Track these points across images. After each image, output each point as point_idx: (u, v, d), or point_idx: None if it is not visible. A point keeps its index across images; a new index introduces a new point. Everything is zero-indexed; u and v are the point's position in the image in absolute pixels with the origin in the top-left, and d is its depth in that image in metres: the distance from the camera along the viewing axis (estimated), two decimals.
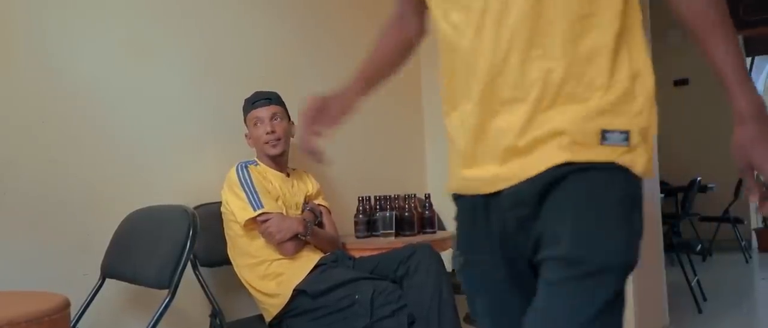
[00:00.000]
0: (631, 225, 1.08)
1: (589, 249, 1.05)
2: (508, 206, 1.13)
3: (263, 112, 2.61)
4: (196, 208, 2.45)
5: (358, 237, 2.92)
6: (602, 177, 1.07)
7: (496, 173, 1.13)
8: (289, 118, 2.69)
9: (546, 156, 1.08)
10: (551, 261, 1.07)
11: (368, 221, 2.94)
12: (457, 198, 1.27)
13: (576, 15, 1.09)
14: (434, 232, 3.07)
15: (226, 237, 2.59)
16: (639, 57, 1.12)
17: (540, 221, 1.10)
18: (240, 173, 2.53)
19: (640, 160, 1.09)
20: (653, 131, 1.11)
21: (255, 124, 2.63)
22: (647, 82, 1.12)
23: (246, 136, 2.70)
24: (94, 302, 2.19)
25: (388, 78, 1.46)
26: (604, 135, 1.07)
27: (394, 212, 2.92)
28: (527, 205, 1.10)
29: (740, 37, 6.92)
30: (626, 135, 1.07)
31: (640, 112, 1.10)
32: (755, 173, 1.12)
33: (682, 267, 4.41)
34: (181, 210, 2.05)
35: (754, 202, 1.14)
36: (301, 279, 2.44)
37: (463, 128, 1.17)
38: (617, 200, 1.07)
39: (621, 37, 1.11)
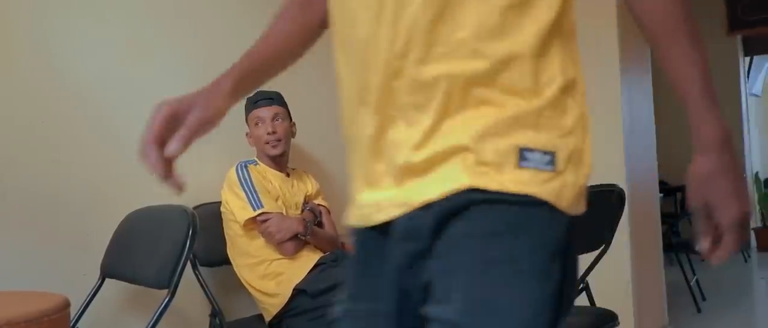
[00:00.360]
0: (545, 285, 0.82)
1: (483, 320, 0.80)
2: (399, 238, 0.90)
3: (265, 112, 2.62)
4: (195, 208, 2.45)
5: None
6: (514, 215, 0.82)
7: (390, 197, 0.90)
8: (291, 119, 2.70)
9: (445, 178, 0.84)
10: (437, 325, 0.84)
11: None
12: (354, 232, 1.02)
13: (496, 5, 0.85)
14: None
15: (226, 237, 2.59)
16: (574, 68, 0.91)
17: (432, 262, 0.86)
18: (240, 172, 2.54)
19: (567, 191, 0.84)
20: (587, 158, 0.88)
21: (256, 123, 2.63)
22: (582, 98, 0.90)
23: (247, 135, 2.70)
24: (93, 301, 2.19)
25: (281, 72, 1.14)
26: (522, 155, 0.83)
27: None
28: (419, 238, 0.87)
29: (739, 37, 6.97)
30: (551, 157, 0.83)
31: (570, 132, 0.86)
32: (710, 212, 0.92)
33: (681, 267, 4.42)
34: (181, 210, 2.05)
35: (703, 248, 0.93)
36: (301, 279, 2.44)
37: (359, 142, 0.94)
38: (531, 248, 0.82)
39: (553, 38, 0.88)
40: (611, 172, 3.11)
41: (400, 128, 0.89)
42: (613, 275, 3.01)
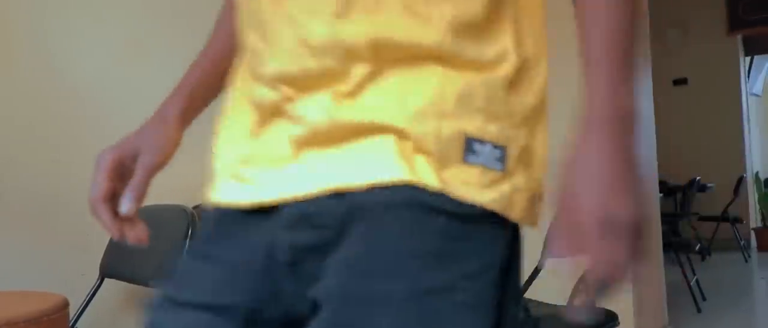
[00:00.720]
0: (487, 320, 0.64)
1: None
2: (288, 224, 0.69)
3: None
4: (194, 207, 2.45)
5: None
6: (456, 229, 0.64)
7: (284, 171, 0.69)
8: None
9: (371, 160, 0.65)
10: None
11: None
12: (214, 211, 0.78)
13: None
14: None
15: None
16: (534, 47, 0.73)
17: (333, 278, 0.65)
18: None
19: (519, 198, 0.67)
20: (538, 159, 0.70)
21: None
22: (541, 86, 0.72)
23: None
24: (92, 301, 2.19)
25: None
26: (469, 145, 0.64)
27: None
28: (319, 228, 0.67)
29: (739, 37, 6.97)
30: (501, 153, 0.66)
31: (523, 122, 0.68)
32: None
33: (681, 267, 4.41)
34: (180, 210, 2.05)
35: (578, 304, 0.66)
36: None
37: (252, 103, 0.74)
38: (473, 274, 0.64)
39: (507, 6, 0.70)
40: None
41: (312, 77, 0.67)
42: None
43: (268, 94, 0.71)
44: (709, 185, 6.16)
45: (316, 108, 0.67)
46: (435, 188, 0.63)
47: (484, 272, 0.65)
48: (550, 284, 2.50)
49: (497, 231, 0.67)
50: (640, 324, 3.30)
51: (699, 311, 4.24)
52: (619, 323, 2.34)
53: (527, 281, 2.20)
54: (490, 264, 0.66)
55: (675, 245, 4.61)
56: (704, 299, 4.52)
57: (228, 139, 0.78)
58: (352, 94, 0.66)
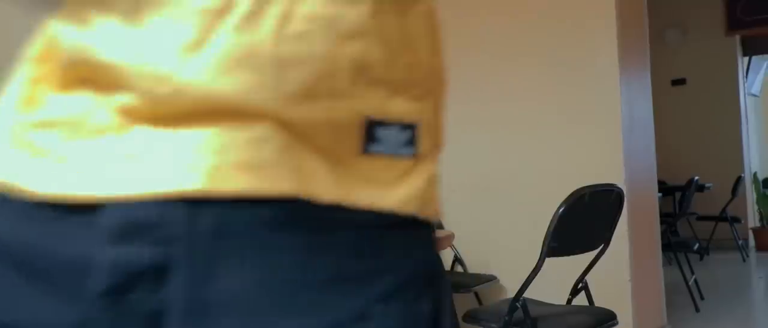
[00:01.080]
0: None
1: None
2: (115, 235, 0.46)
3: None
4: None
5: None
6: (362, 245, 0.49)
7: (104, 151, 0.47)
8: None
9: (238, 157, 0.46)
10: None
11: None
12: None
13: None
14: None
15: None
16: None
17: (182, 317, 0.45)
18: None
19: (433, 190, 0.53)
20: (441, 138, 0.55)
21: None
22: (433, 20, 0.54)
23: None
24: None
25: None
26: (370, 132, 0.49)
27: None
28: (162, 245, 0.45)
29: (737, 37, 6.98)
30: (411, 133, 0.51)
31: (429, 91, 0.53)
32: None
33: (680, 266, 4.42)
34: None
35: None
36: None
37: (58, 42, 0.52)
38: (393, 292, 0.49)
39: None
40: (610, 172, 3.11)
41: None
42: (611, 275, 3.02)
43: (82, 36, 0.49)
44: (707, 184, 6.18)
45: (156, 65, 0.45)
46: (329, 198, 0.47)
47: (404, 289, 0.50)
48: (550, 284, 2.50)
49: (415, 233, 0.52)
50: (639, 324, 3.31)
51: (697, 310, 4.25)
52: (617, 323, 2.35)
53: (527, 280, 2.21)
54: (412, 277, 0.51)
55: (673, 245, 4.61)
56: (702, 298, 4.53)
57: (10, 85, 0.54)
58: (212, 44, 0.45)
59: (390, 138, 0.50)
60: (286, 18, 0.46)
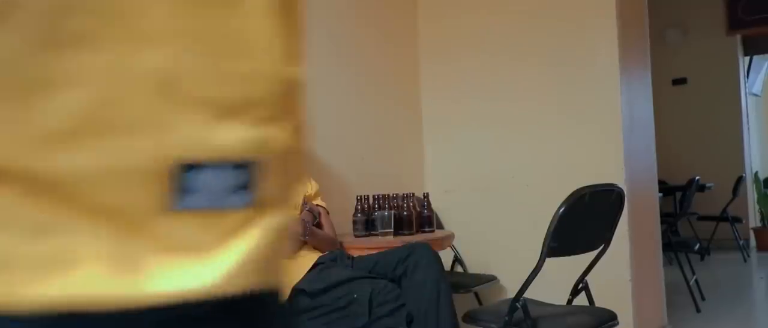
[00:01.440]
0: None
1: None
2: None
3: None
4: None
5: (356, 236, 2.92)
6: None
7: None
8: None
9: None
10: None
11: (367, 220, 2.94)
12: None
13: None
14: (432, 231, 3.07)
15: None
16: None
17: None
18: None
19: (278, 250, 0.40)
20: (302, 173, 0.46)
21: None
22: (282, 44, 0.41)
23: None
24: None
25: None
26: (181, 180, 0.35)
27: (392, 211, 2.92)
28: None
29: (739, 37, 6.97)
30: (247, 172, 0.37)
31: (280, 110, 0.40)
32: None
33: (681, 266, 4.41)
34: None
35: None
36: (300, 278, 2.44)
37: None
38: None
39: None
40: (610, 172, 3.11)
41: None
42: (612, 275, 3.01)
43: None
44: (708, 184, 6.17)
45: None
46: (116, 295, 0.32)
47: None
48: (550, 284, 2.50)
49: (250, 320, 0.37)
50: (639, 324, 3.31)
51: (698, 310, 4.24)
52: (618, 323, 2.35)
53: (527, 281, 2.20)
54: None
55: (674, 245, 4.61)
56: (703, 298, 4.52)
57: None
58: None
59: (212, 184, 0.36)
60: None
